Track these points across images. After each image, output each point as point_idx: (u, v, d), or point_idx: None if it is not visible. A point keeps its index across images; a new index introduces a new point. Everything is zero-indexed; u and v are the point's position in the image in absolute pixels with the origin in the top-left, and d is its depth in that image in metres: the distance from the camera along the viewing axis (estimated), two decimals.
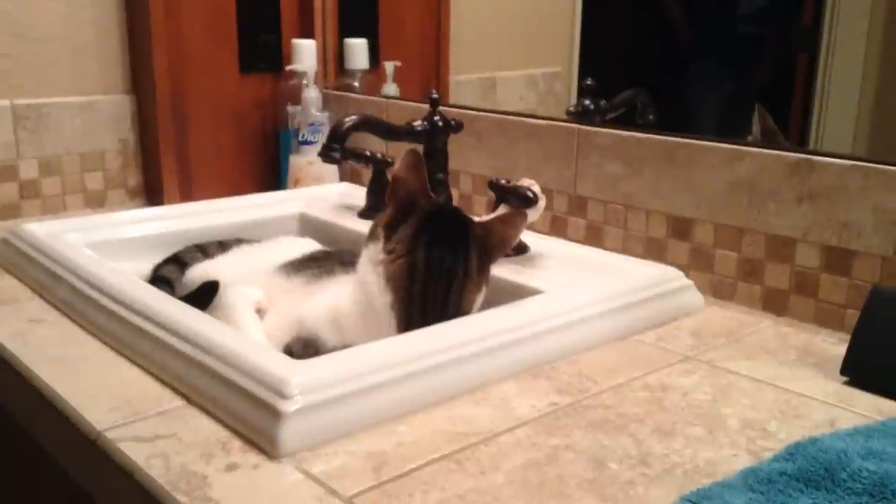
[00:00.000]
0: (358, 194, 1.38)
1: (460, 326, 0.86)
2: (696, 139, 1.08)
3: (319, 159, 1.22)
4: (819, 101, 1.08)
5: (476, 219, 0.94)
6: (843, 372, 0.84)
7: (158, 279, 1.08)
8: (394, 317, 0.86)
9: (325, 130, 1.47)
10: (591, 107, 1.29)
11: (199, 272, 1.07)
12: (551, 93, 1.46)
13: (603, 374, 0.85)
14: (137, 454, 0.68)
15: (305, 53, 1.54)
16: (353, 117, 1.20)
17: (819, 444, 0.65)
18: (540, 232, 1.21)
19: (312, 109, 1.51)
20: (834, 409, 0.78)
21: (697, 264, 1.08)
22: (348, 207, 1.35)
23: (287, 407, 0.70)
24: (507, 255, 1.02)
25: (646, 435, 0.73)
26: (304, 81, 1.52)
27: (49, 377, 0.82)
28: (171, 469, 0.66)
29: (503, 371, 0.84)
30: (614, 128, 1.17)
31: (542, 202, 1.07)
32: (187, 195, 1.51)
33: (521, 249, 1.10)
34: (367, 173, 1.37)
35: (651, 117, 1.27)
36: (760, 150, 1.02)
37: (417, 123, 1.22)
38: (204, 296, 1.01)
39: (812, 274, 0.98)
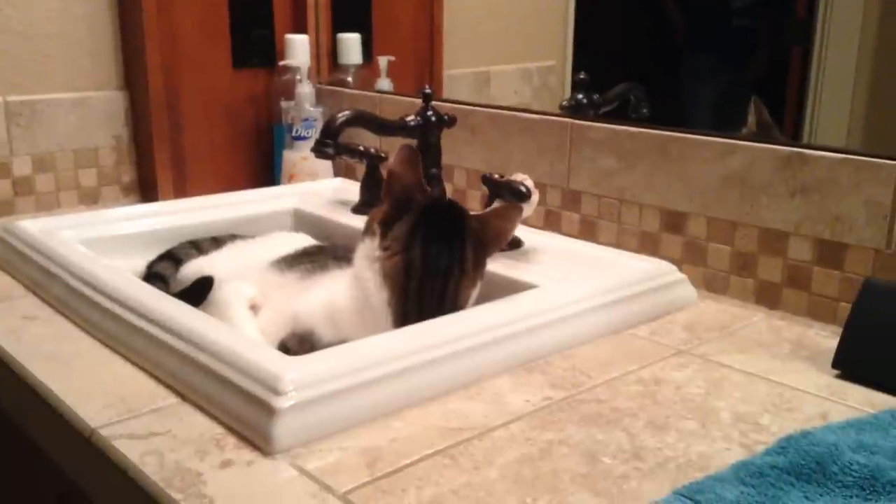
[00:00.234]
0: (352, 189, 1.38)
1: (454, 321, 0.86)
2: (689, 133, 1.08)
3: (313, 155, 1.21)
4: (813, 94, 1.08)
5: (472, 212, 0.94)
6: (835, 365, 0.84)
7: (152, 276, 1.08)
8: (390, 313, 0.86)
9: (319, 126, 1.47)
10: (585, 101, 1.29)
11: (194, 268, 1.07)
12: (546, 87, 1.46)
13: (597, 368, 0.86)
14: (132, 451, 0.68)
15: (299, 48, 1.54)
16: (347, 112, 1.20)
17: (810, 438, 0.65)
18: (534, 226, 1.22)
19: (306, 105, 1.51)
20: (826, 403, 0.79)
21: (691, 258, 1.09)
22: (342, 203, 1.35)
23: (281, 403, 0.70)
24: (502, 250, 1.02)
25: (639, 429, 0.74)
26: (298, 77, 1.52)
27: (43, 374, 0.82)
28: (165, 466, 0.66)
29: (497, 366, 0.84)
30: (608, 122, 1.17)
31: (535, 197, 1.07)
32: (181, 191, 1.50)
33: (515, 244, 1.11)
34: (360, 168, 1.37)
35: (644, 111, 1.27)
36: (753, 143, 1.02)
37: (411, 118, 1.22)
38: (198, 292, 1.01)
39: (805, 267, 0.99)
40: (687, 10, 1.30)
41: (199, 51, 1.51)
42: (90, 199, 1.49)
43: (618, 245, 1.16)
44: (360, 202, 1.32)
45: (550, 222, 1.24)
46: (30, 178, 1.42)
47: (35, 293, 1.03)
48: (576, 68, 1.37)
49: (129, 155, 1.52)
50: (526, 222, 1.12)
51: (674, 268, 1.05)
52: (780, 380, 0.83)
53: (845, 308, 0.89)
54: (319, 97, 1.56)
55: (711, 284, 1.07)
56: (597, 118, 1.22)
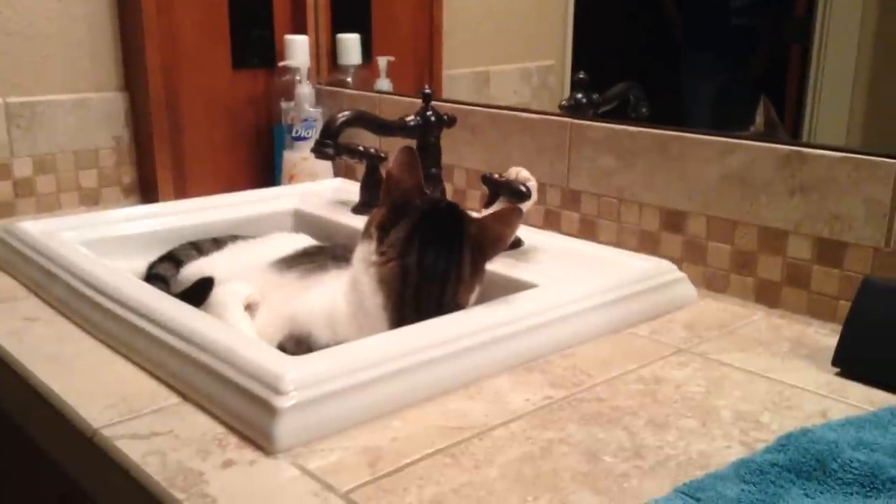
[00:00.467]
0: (352, 190, 1.38)
1: (454, 321, 0.86)
2: (689, 132, 1.08)
3: (313, 155, 1.22)
4: (812, 92, 1.09)
5: (475, 215, 0.94)
6: (834, 363, 0.85)
7: (153, 277, 1.08)
8: (385, 318, 0.86)
9: (319, 126, 1.47)
10: (584, 100, 1.29)
11: (194, 269, 1.07)
12: (545, 86, 1.47)
13: (597, 367, 0.86)
14: (134, 451, 0.68)
15: (298, 49, 1.54)
16: (347, 113, 1.20)
17: (810, 436, 0.65)
18: (534, 226, 1.22)
19: (306, 105, 1.51)
20: (826, 401, 0.79)
21: (690, 257, 1.09)
22: (342, 203, 1.36)
23: (282, 403, 0.70)
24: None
25: (639, 427, 0.74)
26: (297, 77, 1.52)
27: (45, 375, 0.82)
28: (167, 466, 0.67)
29: (497, 365, 0.84)
30: (607, 121, 1.17)
31: (533, 195, 1.07)
32: (182, 192, 1.51)
33: (515, 244, 1.11)
34: (360, 169, 1.38)
35: (644, 110, 1.27)
36: (752, 142, 1.02)
37: (410, 118, 1.23)
38: (199, 292, 1.01)
39: (804, 266, 0.99)
40: (685, 9, 1.30)
41: (199, 51, 1.51)
42: (91, 200, 1.49)
43: (618, 244, 1.16)
44: (360, 202, 1.32)
45: (550, 222, 1.24)
46: (30, 179, 1.42)
47: (36, 294, 1.04)
48: (575, 68, 1.38)
49: (129, 156, 1.52)
50: (526, 221, 1.12)
51: (674, 267, 1.05)
52: (780, 378, 0.84)
53: (845, 306, 0.89)
54: (319, 97, 1.56)
55: (711, 283, 1.07)
56: (596, 118, 1.22)
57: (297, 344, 0.88)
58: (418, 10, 1.62)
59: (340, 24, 1.61)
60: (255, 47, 1.57)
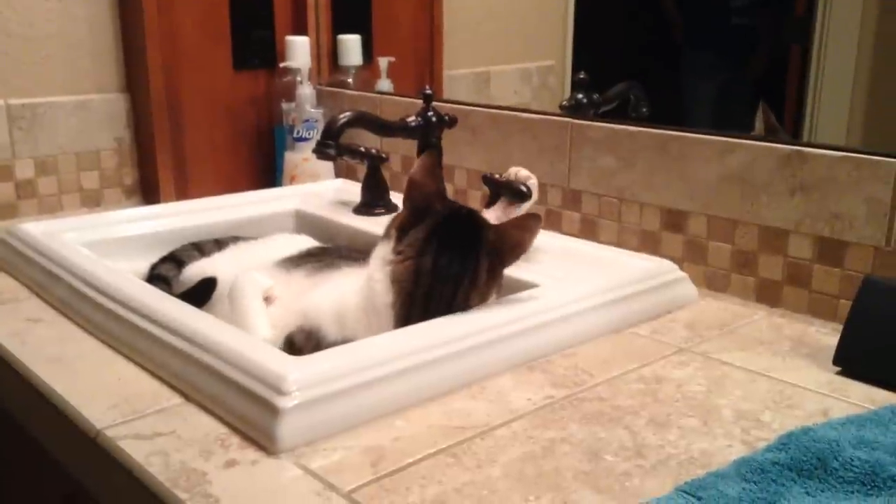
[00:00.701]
0: (353, 190, 1.38)
1: (455, 321, 0.86)
2: (689, 132, 1.08)
3: (314, 156, 1.22)
4: (812, 92, 1.09)
5: (484, 211, 0.94)
6: (835, 362, 0.85)
7: (155, 277, 1.08)
8: (392, 316, 0.87)
9: (320, 127, 1.47)
10: (584, 100, 1.29)
11: (196, 270, 1.07)
12: (545, 87, 1.47)
13: (598, 366, 0.86)
14: (137, 452, 0.69)
15: (299, 50, 1.54)
16: (348, 114, 1.21)
17: (811, 434, 0.65)
18: None
19: (307, 106, 1.52)
20: (827, 399, 0.79)
21: (691, 256, 1.09)
22: (344, 203, 1.36)
23: (285, 403, 0.70)
24: None
25: (641, 427, 0.74)
26: (298, 78, 1.53)
27: (47, 376, 0.82)
28: (170, 466, 0.67)
29: (499, 365, 0.84)
30: (607, 121, 1.17)
31: (534, 194, 1.07)
32: (183, 193, 1.51)
33: None
34: (362, 169, 1.38)
35: (644, 110, 1.27)
36: (752, 142, 1.02)
37: (411, 119, 1.23)
38: (201, 293, 1.01)
39: (805, 265, 0.99)
40: (686, 9, 1.30)
41: (200, 52, 1.51)
42: (92, 201, 1.50)
43: (618, 244, 1.16)
44: (361, 203, 1.33)
45: (551, 222, 1.24)
46: (32, 181, 1.43)
47: (38, 295, 1.04)
48: (575, 68, 1.38)
49: (130, 157, 1.52)
50: None
51: (674, 266, 1.05)
52: (781, 377, 0.84)
53: (846, 305, 0.89)
54: (320, 98, 1.57)
55: (712, 283, 1.07)
56: (596, 118, 1.22)
57: (307, 337, 0.88)
58: (419, 10, 1.62)
59: (341, 24, 1.61)
60: (255, 48, 1.58)
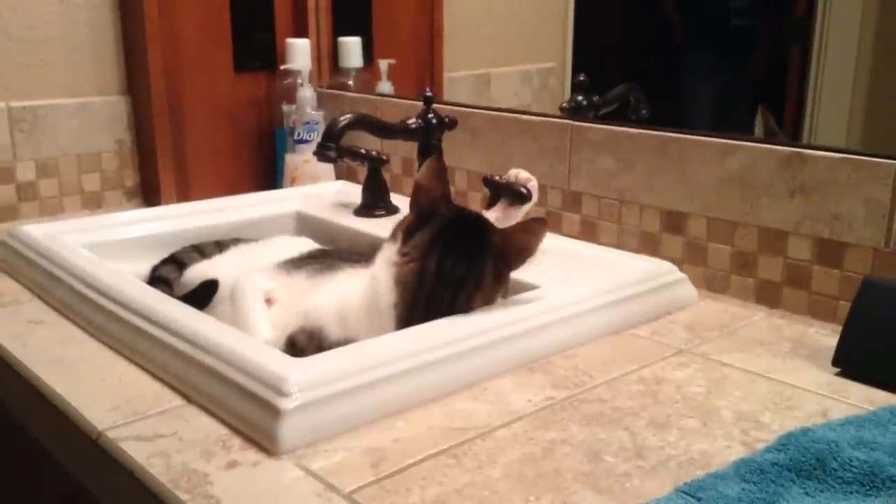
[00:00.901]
0: (354, 192, 1.38)
1: (456, 323, 0.86)
2: (689, 134, 1.08)
3: (315, 158, 1.22)
4: (812, 93, 1.09)
5: (485, 212, 0.94)
6: (835, 363, 0.85)
7: (156, 279, 1.09)
8: (394, 317, 0.87)
9: (321, 129, 1.48)
10: (584, 102, 1.29)
11: (197, 272, 1.08)
12: (546, 88, 1.47)
13: (598, 368, 0.86)
14: (138, 453, 0.69)
15: (300, 52, 1.54)
16: (348, 116, 1.21)
17: (811, 435, 0.66)
18: None
19: (307, 108, 1.52)
20: (826, 400, 0.79)
21: (691, 258, 1.09)
22: (344, 205, 1.36)
23: (286, 404, 0.71)
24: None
25: (641, 428, 0.74)
26: (299, 80, 1.53)
27: (49, 378, 0.82)
28: (172, 467, 0.67)
29: (500, 366, 0.85)
30: (607, 123, 1.18)
31: (534, 196, 1.08)
32: (184, 195, 1.51)
33: None
34: (362, 171, 1.38)
35: (644, 112, 1.27)
36: (752, 144, 1.03)
37: (412, 121, 1.23)
38: (203, 295, 1.02)
39: (804, 266, 0.99)
40: (685, 10, 1.31)
41: (201, 55, 1.52)
42: (93, 203, 1.50)
43: (618, 245, 1.16)
44: (361, 205, 1.33)
45: (551, 223, 1.24)
46: (33, 183, 1.43)
47: (40, 297, 1.04)
48: (575, 70, 1.38)
49: (131, 159, 1.53)
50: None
51: (674, 268, 1.06)
52: (781, 378, 0.84)
53: (845, 306, 0.89)
54: (321, 101, 1.57)
55: (712, 284, 1.08)
56: (596, 119, 1.23)
57: (309, 338, 0.88)
58: (419, 13, 1.62)
59: (341, 27, 1.61)
60: (256, 51, 1.58)
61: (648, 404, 0.78)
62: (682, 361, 0.88)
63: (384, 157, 1.33)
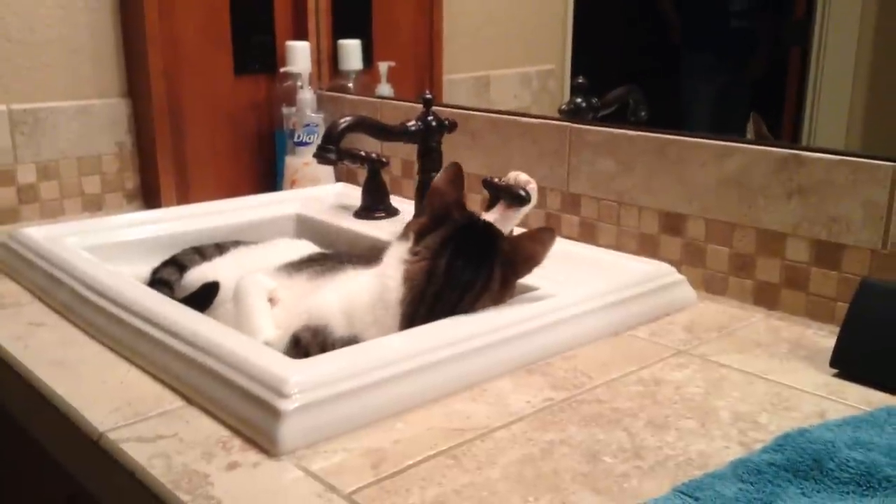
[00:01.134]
0: (354, 194, 1.39)
1: (455, 324, 0.87)
2: (687, 136, 1.09)
3: (315, 160, 1.23)
4: (812, 94, 1.09)
5: (483, 214, 0.95)
6: (832, 364, 0.85)
7: (157, 282, 1.09)
8: (400, 313, 0.88)
9: (321, 131, 1.48)
10: (583, 105, 1.30)
11: (198, 275, 1.08)
12: (545, 90, 1.47)
13: (597, 369, 0.87)
14: (139, 454, 0.69)
15: (299, 55, 1.55)
16: (348, 118, 1.21)
17: (808, 435, 0.66)
18: None
19: (307, 110, 1.52)
20: (824, 401, 0.80)
21: (690, 259, 1.10)
22: (344, 207, 1.37)
23: (286, 406, 0.71)
24: None
25: (639, 428, 0.75)
26: (299, 83, 1.53)
27: (50, 379, 0.83)
28: (172, 468, 0.67)
29: (499, 367, 0.85)
30: (606, 125, 1.18)
31: (533, 199, 1.08)
32: (184, 197, 1.52)
33: None
34: (362, 173, 1.39)
35: (643, 114, 1.28)
36: (750, 146, 1.03)
37: (412, 123, 1.24)
38: (204, 297, 1.02)
39: (802, 268, 1.00)
40: (685, 12, 1.31)
41: (201, 57, 1.52)
42: (94, 205, 1.50)
43: (617, 247, 1.17)
44: (361, 207, 1.33)
45: (550, 225, 1.25)
46: (34, 185, 1.43)
47: (41, 299, 1.04)
48: (574, 72, 1.38)
49: (132, 162, 1.53)
50: (526, 225, 1.13)
51: (673, 269, 1.06)
52: (779, 379, 0.84)
53: (843, 308, 0.90)
54: (320, 103, 1.57)
55: (710, 285, 1.08)
56: (595, 122, 1.23)
57: (314, 335, 0.89)
58: (419, 15, 1.63)
59: (341, 29, 1.62)
60: (256, 53, 1.58)
61: (647, 405, 0.79)
62: (680, 362, 0.88)
63: (384, 160, 1.33)
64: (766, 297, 1.03)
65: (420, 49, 1.62)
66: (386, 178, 1.37)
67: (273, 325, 0.95)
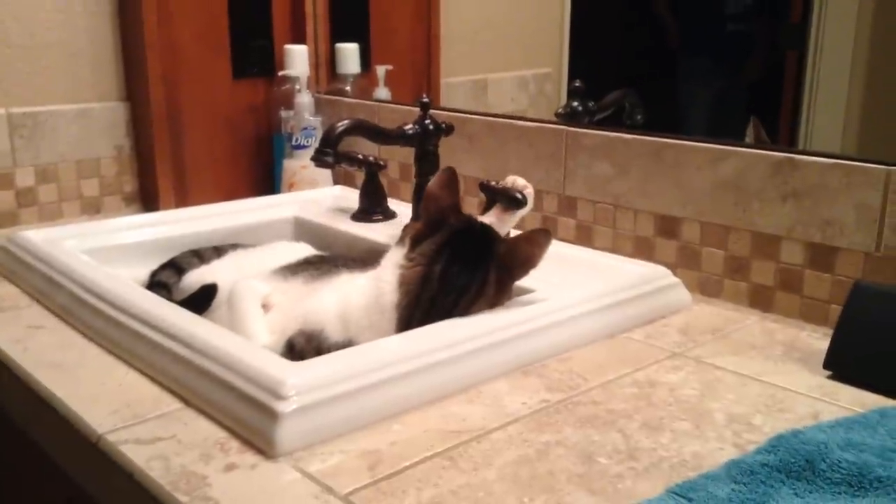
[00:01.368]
0: (351, 197, 1.39)
1: (452, 326, 0.87)
2: (683, 139, 1.09)
3: (313, 163, 1.23)
4: (808, 97, 1.10)
5: (480, 217, 0.95)
6: (826, 366, 0.86)
7: (156, 284, 1.09)
8: (396, 317, 0.88)
9: (318, 134, 1.49)
10: (580, 108, 1.30)
11: (196, 277, 1.08)
12: (542, 94, 1.48)
13: (593, 371, 0.87)
14: (138, 456, 0.70)
15: (297, 58, 1.55)
16: (346, 121, 1.22)
17: (800, 437, 0.67)
18: None
19: (305, 114, 1.53)
20: (818, 403, 0.80)
21: (685, 262, 1.10)
22: (342, 210, 1.37)
23: (283, 408, 0.72)
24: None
25: (634, 430, 0.75)
26: (297, 86, 1.54)
27: (49, 382, 0.83)
28: (171, 470, 0.68)
29: (495, 369, 0.86)
30: (602, 129, 1.19)
31: (529, 202, 1.09)
32: (182, 201, 1.52)
33: None
34: (360, 176, 1.39)
35: (639, 118, 1.28)
36: (745, 149, 1.04)
37: (409, 127, 1.24)
38: (202, 299, 1.02)
39: (796, 270, 1.00)
40: (681, 16, 1.32)
41: (200, 61, 1.53)
42: (92, 208, 1.51)
43: (613, 250, 1.17)
44: (359, 209, 1.34)
45: (546, 228, 1.25)
46: (33, 188, 1.44)
47: (40, 302, 1.05)
48: (571, 76, 1.39)
49: (130, 165, 1.53)
50: (522, 228, 1.13)
51: (668, 272, 1.07)
52: (773, 381, 0.85)
53: (837, 310, 0.90)
54: (318, 106, 1.58)
55: (705, 288, 1.09)
56: (591, 125, 1.23)
57: (308, 340, 0.89)
58: (416, 19, 1.63)
59: (339, 33, 1.62)
60: (254, 57, 1.59)
61: (642, 407, 0.79)
62: (675, 365, 0.89)
63: (381, 163, 1.34)
64: (760, 300, 1.04)
65: (417, 53, 1.62)
66: (383, 181, 1.38)
67: (267, 330, 0.95)
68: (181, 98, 1.51)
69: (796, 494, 0.61)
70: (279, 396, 0.72)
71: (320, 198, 1.45)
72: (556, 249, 1.15)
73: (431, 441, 0.73)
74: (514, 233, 1.02)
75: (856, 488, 0.61)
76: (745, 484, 0.62)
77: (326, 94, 1.62)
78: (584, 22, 1.38)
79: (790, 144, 1.10)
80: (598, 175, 1.18)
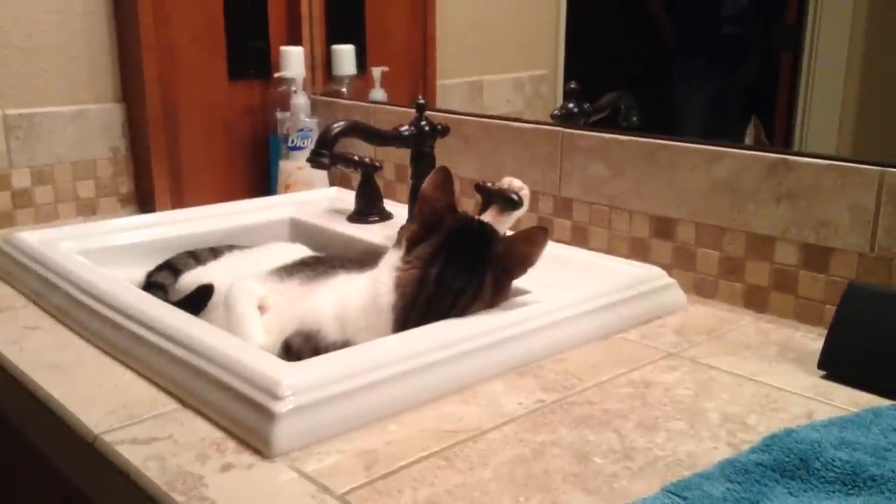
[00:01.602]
0: (347, 198, 1.39)
1: (448, 327, 0.88)
2: (678, 141, 1.10)
3: (309, 164, 1.23)
4: (803, 99, 1.10)
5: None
6: (820, 366, 0.86)
7: (152, 285, 1.09)
8: (392, 319, 0.88)
9: (314, 136, 1.49)
10: (575, 110, 1.31)
11: (192, 278, 1.09)
12: (538, 96, 1.48)
13: (588, 371, 0.87)
14: (134, 456, 0.70)
15: (293, 60, 1.55)
16: (342, 123, 1.22)
17: (794, 436, 0.67)
18: None
19: (301, 115, 1.53)
20: (812, 403, 0.81)
21: (680, 263, 1.11)
22: (338, 211, 1.37)
23: (280, 408, 0.72)
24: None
25: (629, 430, 0.75)
26: (293, 88, 1.54)
27: (45, 383, 0.83)
28: (167, 470, 0.68)
29: (491, 370, 0.86)
30: (598, 130, 1.19)
31: (525, 204, 1.09)
32: (178, 202, 1.52)
33: None
34: (355, 178, 1.39)
35: (635, 119, 1.29)
36: (739, 150, 1.04)
37: (405, 128, 1.24)
38: (198, 300, 1.03)
39: (791, 271, 1.01)
40: (677, 18, 1.32)
41: (196, 63, 1.53)
42: (88, 210, 1.51)
43: (608, 251, 1.18)
44: (355, 211, 1.34)
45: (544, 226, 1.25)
46: (29, 190, 1.44)
47: (36, 303, 1.05)
48: (567, 77, 1.39)
49: (126, 166, 1.53)
50: (517, 230, 1.14)
51: (663, 273, 1.07)
52: (767, 381, 0.85)
53: (831, 310, 0.91)
54: (314, 108, 1.58)
55: (700, 289, 1.09)
56: (587, 127, 1.24)
57: (306, 340, 0.90)
58: (412, 21, 1.64)
59: (335, 35, 1.62)
60: (251, 59, 1.59)
61: (637, 407, 0.80)
62: (670, 365, 0.89)
63: (377, 164, 1.34)
64: (755, 300, 1.04)
65: (413, 54, 1.63)
66: (379, 182, 1.38)
67: (263, 331, 0.96)
68: (177, 99, 1.52)
69: (790, 493, 0.61)
70: (275, 397, 0.73)
71: (316, 199, 1.45)
72: (552, 250, 1.15)
73: (427, 441, 0.73)
74: (509, 234, 1.02)
75: (849, 487, 0.61)
76: (739, 483, 0.62)
77: (322, 95, 1.62)
78: (579, 24, 1.38)
79: (785, 146, 1.10)
80: (593, 176, 1.19)
